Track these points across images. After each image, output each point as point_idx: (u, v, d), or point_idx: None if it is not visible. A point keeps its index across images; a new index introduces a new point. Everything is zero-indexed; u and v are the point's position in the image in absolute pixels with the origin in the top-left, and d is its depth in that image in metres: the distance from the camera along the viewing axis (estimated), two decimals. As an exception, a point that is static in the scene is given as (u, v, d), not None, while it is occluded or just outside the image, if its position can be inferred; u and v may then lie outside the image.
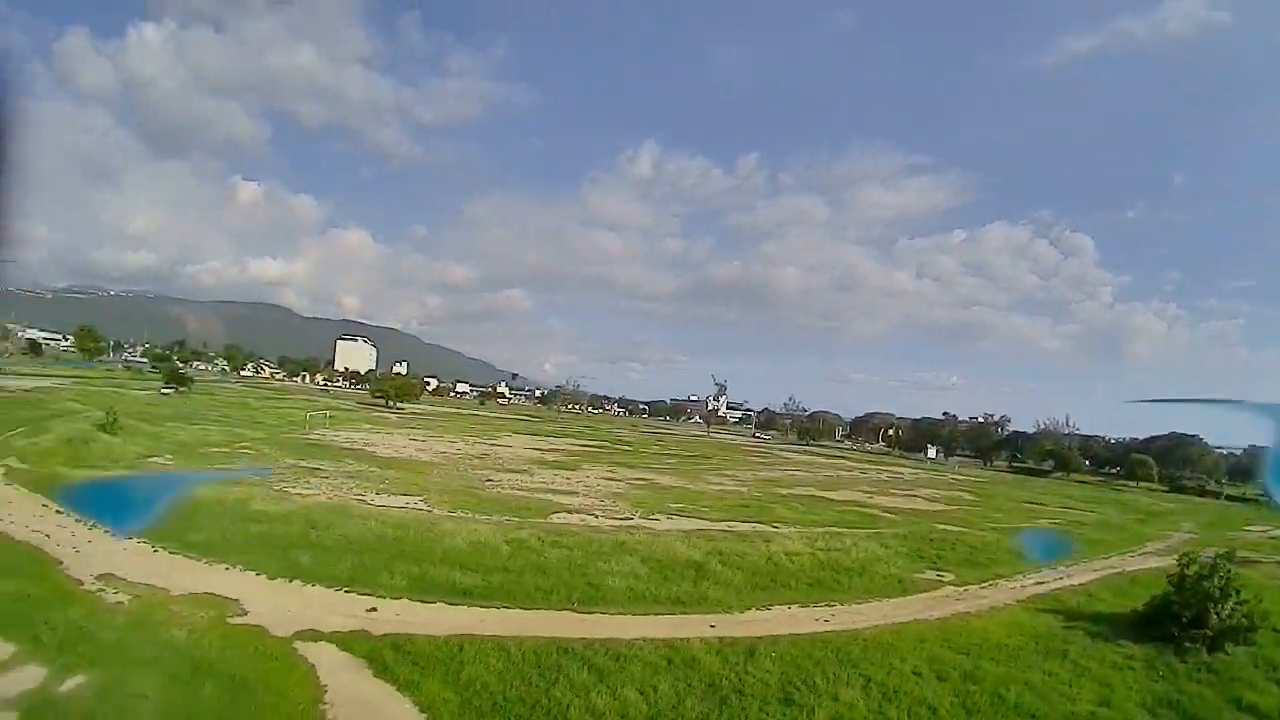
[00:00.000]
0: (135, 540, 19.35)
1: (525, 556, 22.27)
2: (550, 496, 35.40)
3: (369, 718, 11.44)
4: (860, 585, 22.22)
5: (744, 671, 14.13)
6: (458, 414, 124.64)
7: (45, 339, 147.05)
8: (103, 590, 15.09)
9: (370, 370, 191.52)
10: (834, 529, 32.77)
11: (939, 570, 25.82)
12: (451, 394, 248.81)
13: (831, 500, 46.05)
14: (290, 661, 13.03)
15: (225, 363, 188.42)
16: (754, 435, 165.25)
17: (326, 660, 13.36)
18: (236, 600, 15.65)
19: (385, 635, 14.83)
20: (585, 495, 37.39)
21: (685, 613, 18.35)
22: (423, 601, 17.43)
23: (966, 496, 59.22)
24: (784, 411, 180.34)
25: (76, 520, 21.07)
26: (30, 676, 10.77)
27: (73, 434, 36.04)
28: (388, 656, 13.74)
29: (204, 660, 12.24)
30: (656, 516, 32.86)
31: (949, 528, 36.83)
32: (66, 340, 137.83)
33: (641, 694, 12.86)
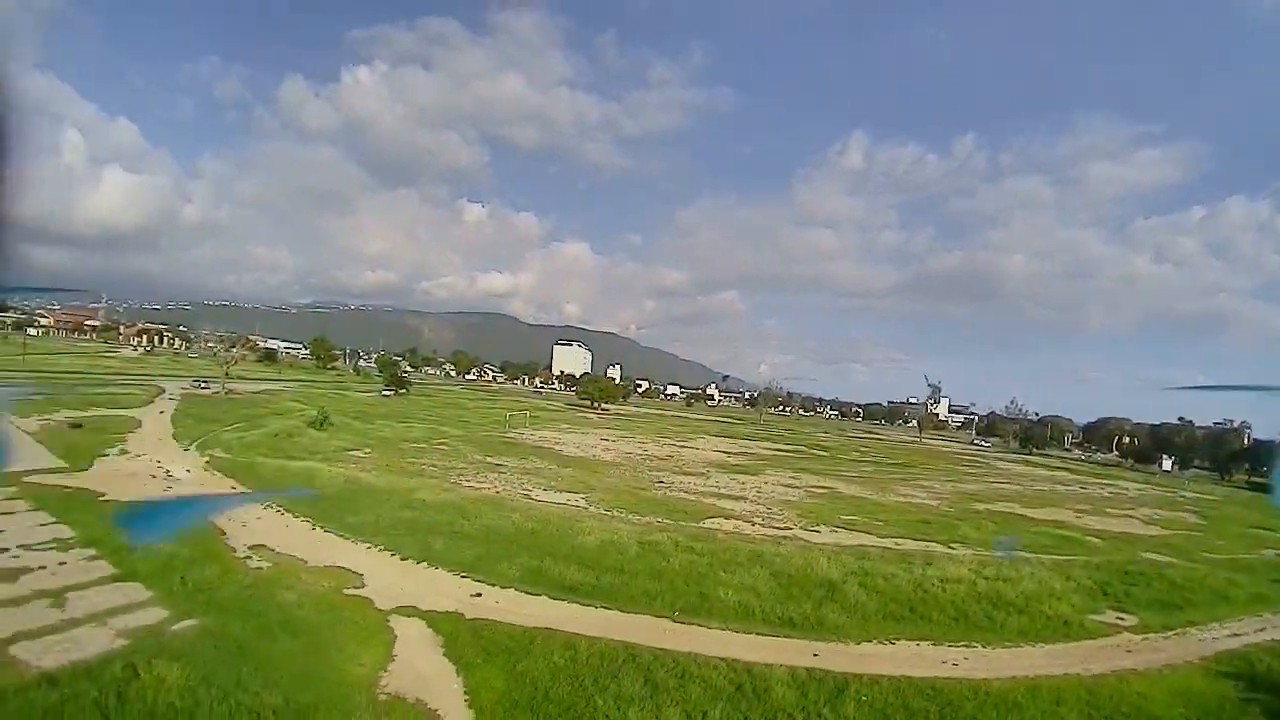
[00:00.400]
0: (299, 519, 22.74)
1: (649, 560, 21.86)
2: (715, 501, 34.70)
3: (417, 689, 11.88)
4: (1015, 624, 18.05)
5: (818, 713, 12.08)
6: (660, 416, 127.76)
7: (285, 349, 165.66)
8: (248, 558, 17.91)
9: (584, 373, 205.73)
10: (1015, 552, 27.64)
11: (1121, 611, 20.36)
12: (661, 396, 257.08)
13: (1031, 520, 38.70)
14: (377, 631, 14.16)
15: (452, 368, 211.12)
16: (971, 442, 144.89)
17: (410, 634, 14.28)
18: (360, 575, 17.53)
19: (473, 619, 15.46)
20: (753, 501, 36.07)
21: (792, 636, 16.40)
22: (528, 593, 17.92)
23: (1189, 519, 46.58)
24: (1005, 415, 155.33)
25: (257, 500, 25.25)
26: (152, 616, 13.18)
27: (281, 429, 42.96)
28: (464, 639, 14.27)
29: (298, 620, 13.84)
30: (818, 528, 30.45)
31: (1155, 557, 29.39)
32: (305, 350, 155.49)
33: (687, 718, 11.63)
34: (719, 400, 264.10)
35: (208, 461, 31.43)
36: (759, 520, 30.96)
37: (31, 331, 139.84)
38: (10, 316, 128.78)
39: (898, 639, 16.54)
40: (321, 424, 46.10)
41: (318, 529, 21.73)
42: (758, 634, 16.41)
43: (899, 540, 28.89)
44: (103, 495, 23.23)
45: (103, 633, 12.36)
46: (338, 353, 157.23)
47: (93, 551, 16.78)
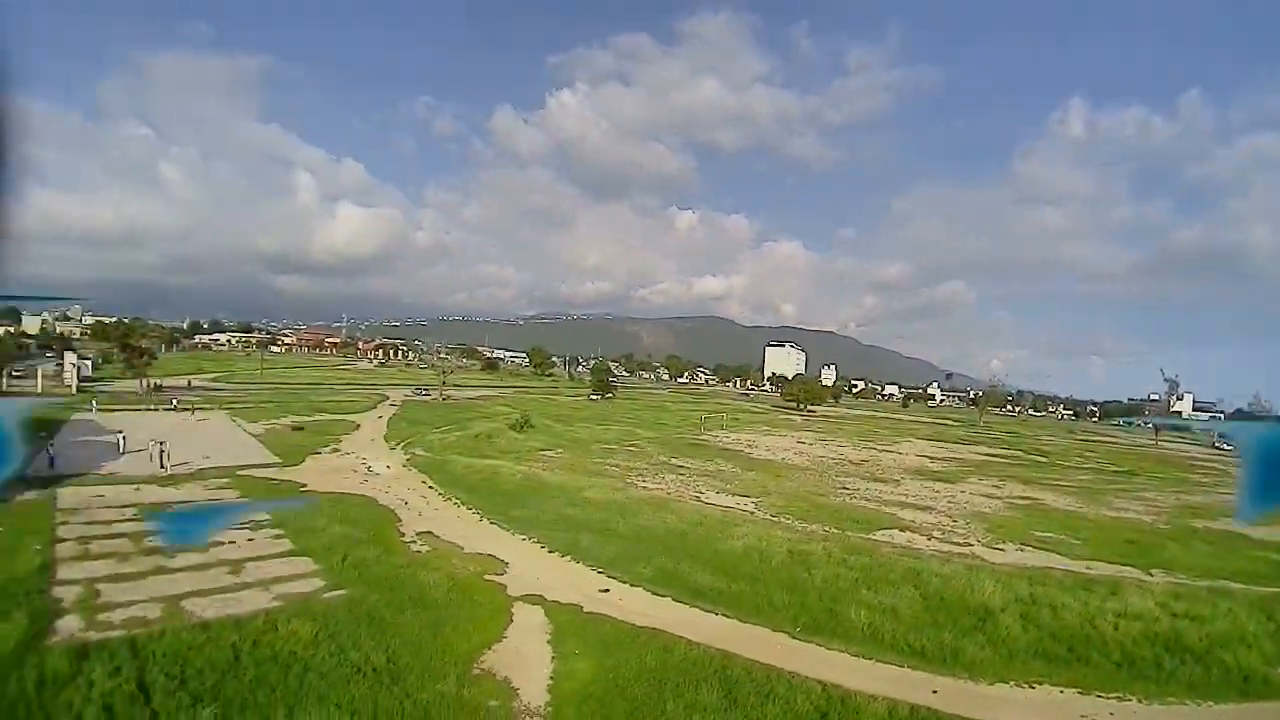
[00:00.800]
0: (471, 510, 25.96)
1: (791, 570, 21.34)
2: (896, 511, 32.39)
3: (510, 668, 13.30)
4: (1186, 675, 14.31)
5: (896, 754, 10.94)
6: (870, 417, 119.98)
7: (510, 358, 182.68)
8: (412, 542, 21.15)
9: (797, 374, 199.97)
10: (1224, 582, 21.83)
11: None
12: (878, 396, 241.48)
13: (1255, 541, 29.34)
14: (498, 614, 16.03)
15: (665, 371, 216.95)
16: (1213, 445, 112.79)
17: (526, 620, 15.91)
18: (505, 563, 19.83)
19: (590, 613, 16.65)
20: (940, 513, 32.92)
21: (917, 668, 14.90)
22: (654, 593, 18.68)
23: None
24: (1249, 411, 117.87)
25: (439, 494, 28.78)
26: (309, 586, 16.46)
27: (483, 431, 47.85)
28: (572, 629, 15.49)
29: (430, 597, 16.21)
30: (1003, 545, 26.88)
31: None
32: (526, 359, 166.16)
33: (752, 740, 11.40)
34: (941, 400, 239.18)
35: (408, 460, 36.74)
36: (937, 534, 28.12)
37: (274, 349, 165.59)
38: (255, 336, 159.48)
39: (1041, 682, 14.13)
40: (522, 426, 50.54)
41: (485, 520, 24.85)
42: (877, 660, 15.20)
43: (1092, 563, 24.30)
44: (304, 486, 28.44)
45: (263, 595, 15.57)
46: (555, 360, 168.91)
47: (279, 531, 20.30)
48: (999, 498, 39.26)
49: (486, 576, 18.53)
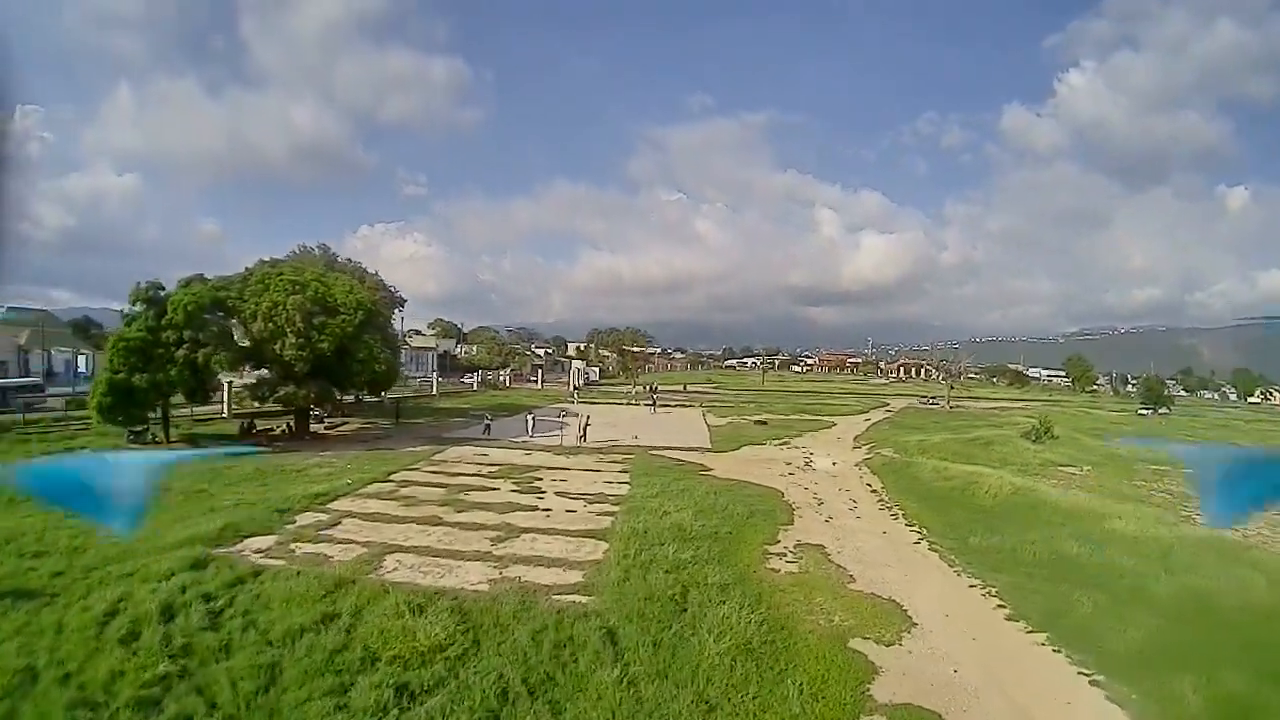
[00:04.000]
0: (908, 525, 17.06)
1: None
2: None
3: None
4: None
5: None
6: None
7: (1046, 375, 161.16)
8: (780, 554, 14.39)
9: None
10: None
11: None
12: None
13: None
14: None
15: (1234, 389, 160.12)
16: None
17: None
18: (911, 622, 10.85)
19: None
20: None
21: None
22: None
23: None
24: None
25: (878, 499, 20.79)
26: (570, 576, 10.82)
27: (980, 437, 35.49)
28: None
29: (707, 658, 8.92)
30: None
31: None
32: (1064, 375, 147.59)
33: None
34: None
35: (864, 459, 29.12)
36: None
37: (795, 369, 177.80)
38: (778, 358, 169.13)
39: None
40: (1040, 435, 37.69)
41: (922, 543, 15.85)
42: None
43: None
44: (709, 470, 24.58)
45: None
46: (1099, 376, 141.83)
47: (606, 508, 17.71)
48: None
49: (854, 641, 10.00)
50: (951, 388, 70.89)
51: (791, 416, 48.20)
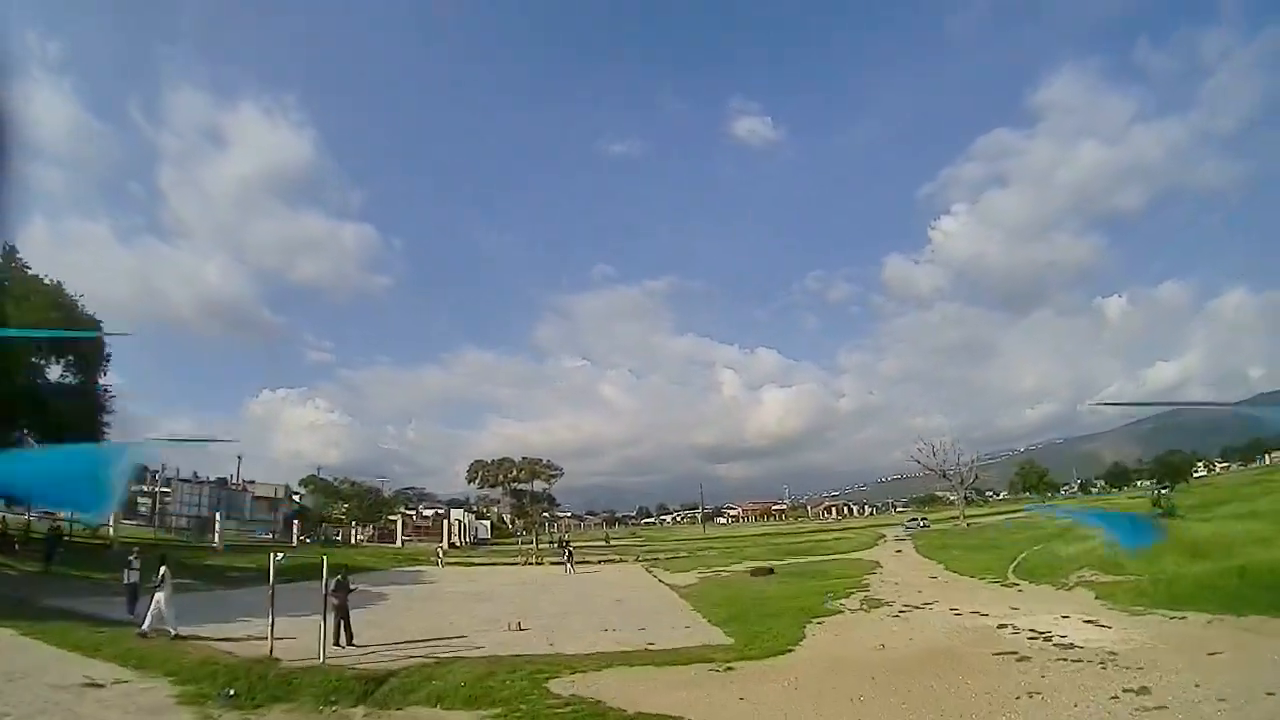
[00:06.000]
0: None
1: None
2: None
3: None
4: None
5: None
6: None
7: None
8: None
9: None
10: None
11: None
12: None
13: None
14: None
15: (1153, 481, 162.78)
16: None
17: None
18: None
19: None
20: None
21: None
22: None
23: None
24: None
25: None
26: None
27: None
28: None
29: None
30: None
31: None
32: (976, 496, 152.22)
33: None
34: None
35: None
36: None
37: (720, 520, 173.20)
38: (699, 511, 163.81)
39: None
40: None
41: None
42: None
43: None
44: None
45: None
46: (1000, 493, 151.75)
47: None
48: None
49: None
50: (966, 500, 68.80)
51: (787, 560, 35.87)
